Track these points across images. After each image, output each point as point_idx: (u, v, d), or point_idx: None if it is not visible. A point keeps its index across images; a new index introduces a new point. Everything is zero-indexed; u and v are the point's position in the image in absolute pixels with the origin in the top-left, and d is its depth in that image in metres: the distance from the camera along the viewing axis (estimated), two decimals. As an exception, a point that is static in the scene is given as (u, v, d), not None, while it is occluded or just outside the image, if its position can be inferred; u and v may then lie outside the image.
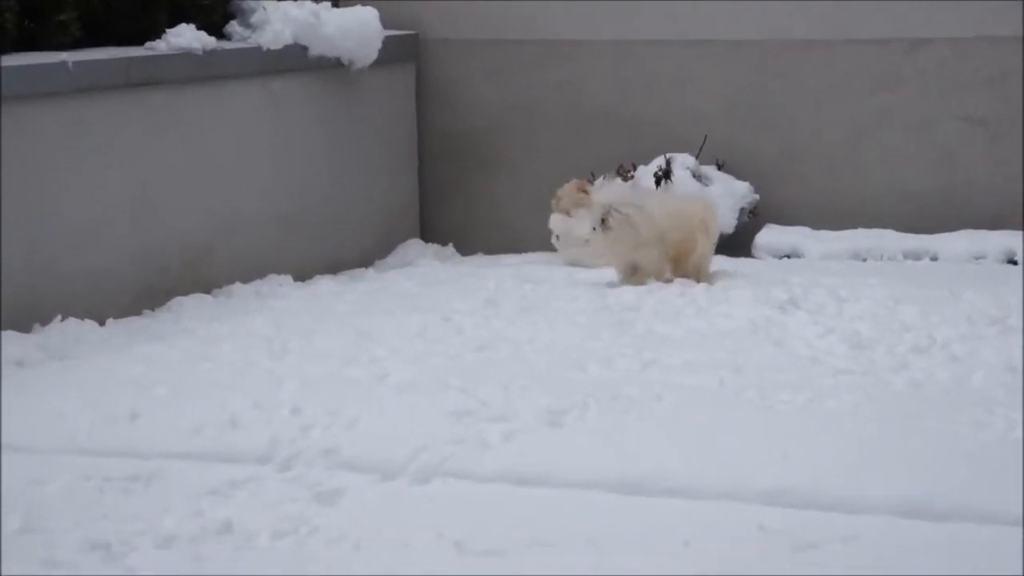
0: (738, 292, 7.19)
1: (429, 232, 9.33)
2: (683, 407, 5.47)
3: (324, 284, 8.09)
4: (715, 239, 7.68)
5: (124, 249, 7.45)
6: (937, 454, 4.97)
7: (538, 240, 8.67)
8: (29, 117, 6.99)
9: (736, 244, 8.48)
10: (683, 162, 8.70)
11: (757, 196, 8.79)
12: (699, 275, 7.51)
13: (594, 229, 7.48)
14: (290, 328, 6.82)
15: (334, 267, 8.55)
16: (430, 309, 7.07)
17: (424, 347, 6.41)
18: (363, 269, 8.64)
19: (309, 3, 8.57)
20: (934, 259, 8.26)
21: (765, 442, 5.09)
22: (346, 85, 8.75)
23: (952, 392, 5.64)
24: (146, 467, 5.18)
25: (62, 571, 4.37)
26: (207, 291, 7.74)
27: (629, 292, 7.27)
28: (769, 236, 8.62)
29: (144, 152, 7.57)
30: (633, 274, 7.54)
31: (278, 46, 8.27)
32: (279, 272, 8.14)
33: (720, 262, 7.84)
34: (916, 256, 8.30)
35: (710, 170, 8.79)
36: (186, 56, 7.76)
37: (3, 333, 6.65)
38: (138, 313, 7.36)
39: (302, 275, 8.25)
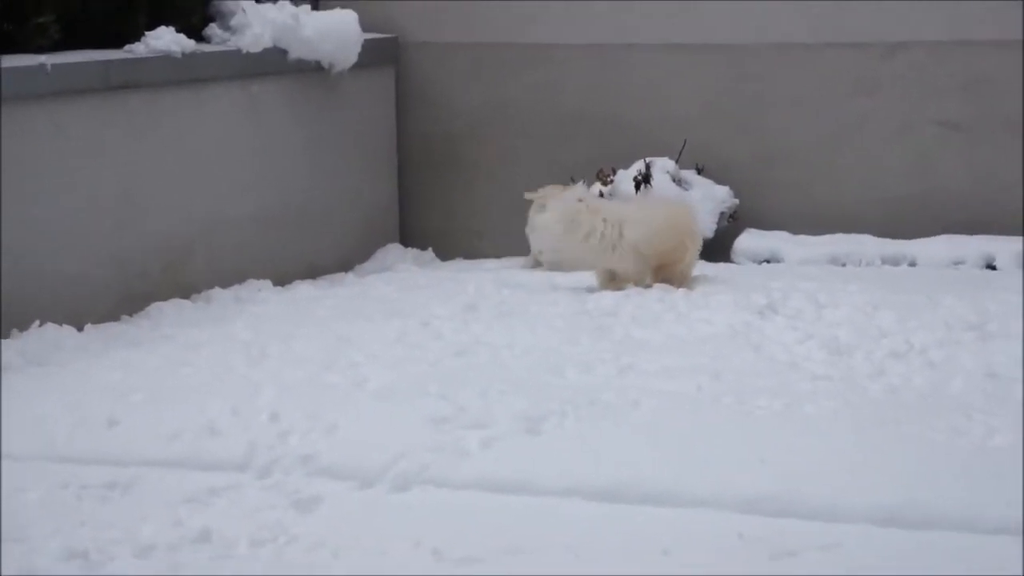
0: (717, 297, 7.20)
1: (408, 236, 9.33)
2: (661, 413, 5.47)
3: (303, 289, 8.08)
4: (699, 246, 7.70)
5: (103, 254, 7.43)
6: (915, 461, 4.97)
7: (518, 245, 8.67)
8: (7, 120, 6.97)
9: (715, 249, 8.49)
10: (663, 166, 8.70)
11: (737, 200, 8.79)
12: (682, 281, 7.52)
13: (563, 232, 7.50)
14: (269, 333, 6.81)
15: (313, 272, 8.54)
16: (409, 314, 7.07)
17: (403, 352, 6.40)
18: (342, 274, 8.63)
19: (288, 6, 8.56)
20: (912, 264, 8.27)
21: (743, 448, 5.10)
22: (326, 88, 8.74)
23: (929, 398, 5.65)
24: (124, 474, 5.18)
25: (40, 580, 4.37)
26: (186, 296, 7.72)
27: (608, 297, 7.27)
28: (748, 241, 8.63)
29: (123, 156, 7.55)
30: (612, 280, 7.55)
31: (257, 49, 8.26)
32: (258, 277, 8.12)
33: (700, 267, 7.85)
34: (895, 261, 8.31)
35: (690, 174, 8.79)
36: (165, 59, 7.74)
37: (-19, 338, 6.65)
38: (116, 318, 7.35)
39: (281, 280, 8.24)
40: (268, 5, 8.50)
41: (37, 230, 7.11)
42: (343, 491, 5.00)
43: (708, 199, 8.66)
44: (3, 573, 4.40)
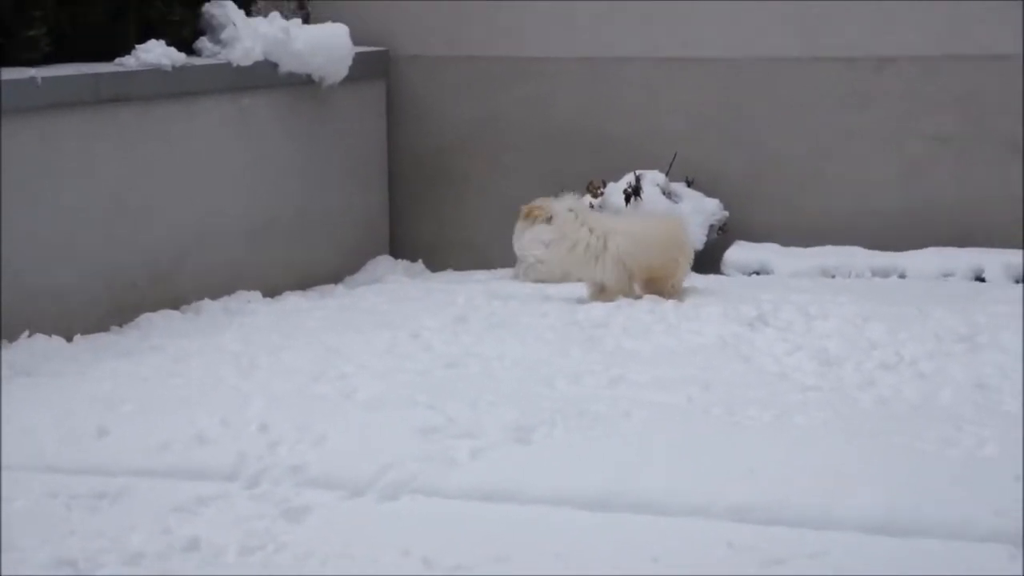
0: (707, 309, 7.20)
1: (399, 248, 9.33)
2: (651, 424, 5.47)
3: (293, 300, 8.09)
4: (691, 259, 7.70)
5: (92, 265, 7.43)
6: (904, 471, 4.98)
7: (508, 256, 8.67)
8: (-3, 133, 6.98)
9: (705, 261, 8.50)
10: (653, 179, 8.72)
11: (727, 213, 8.81)
12: (674, 294, 7.52)
13: (550, 245, 7.52)
14: (258, 344, 6.81)
15: (303, 283, 8.54)
16: (399, 325, 7.07)
17: (393, 363, 6.40)
18: (332, 285, 8.64)
19: (279, 19, 8.58)
20: (902, 276, 8.29)
21: (733, 458, 5.10)
22: (316, 102, 8.75)
23: (919, 409, 5.66)
24: (113, 484, 5.17)
25: (29, 589, 4.36)
26: (175, 307, 7.73)
27: (598, 308, 7.28)
28: (738, 253, 8.64)
29: (113, 168, 7.55)
30: (601, 291, 7.55)
31: (248, 62, 8.27)
32: (248, 288, 8.13)
33: (690, 279, 7.85)
34: (884, 273, 8.33)
35: (680, 187, 8.81)
36: (156, 72, 7.75)
37: (-30, 349, 6.64)
38: (106, 329, 7.35)
39: (271, 291, 8.24)
40: (259, 19, 8.51)
41: (27, 241, 7.10)
42: (332, 500, 4.99)
43: (698, 212, 8.68)
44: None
